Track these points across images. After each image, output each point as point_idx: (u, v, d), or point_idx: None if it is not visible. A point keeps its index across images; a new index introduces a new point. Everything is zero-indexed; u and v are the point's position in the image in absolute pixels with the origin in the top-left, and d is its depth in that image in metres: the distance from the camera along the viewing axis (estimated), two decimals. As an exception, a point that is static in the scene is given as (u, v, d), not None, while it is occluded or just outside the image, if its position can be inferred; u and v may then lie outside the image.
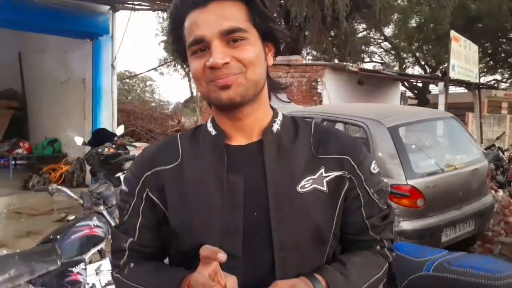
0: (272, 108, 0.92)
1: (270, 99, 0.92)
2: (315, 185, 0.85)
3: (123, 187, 0.93)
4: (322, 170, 0.86)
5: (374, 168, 0.92)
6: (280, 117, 0.91)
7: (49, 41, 7.38)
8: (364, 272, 0.86)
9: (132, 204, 0.90)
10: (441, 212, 3.50)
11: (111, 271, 0.95)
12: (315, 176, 0.86)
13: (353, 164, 0.88)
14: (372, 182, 0.90)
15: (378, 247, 0.92)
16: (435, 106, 9.99)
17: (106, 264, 2.34)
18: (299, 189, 0.84)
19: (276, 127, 0.89)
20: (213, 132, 0.89)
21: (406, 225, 3.29)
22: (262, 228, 0.82)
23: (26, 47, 8.39)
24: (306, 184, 0.85)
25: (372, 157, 0.94)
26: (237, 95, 0.81)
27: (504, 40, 17.43)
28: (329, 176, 0.86)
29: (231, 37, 0.79)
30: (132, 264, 0.90)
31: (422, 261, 1.99)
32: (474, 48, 10.30)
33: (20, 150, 7.40)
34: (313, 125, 0.93)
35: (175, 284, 0.80)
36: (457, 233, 3.66)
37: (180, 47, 0.86)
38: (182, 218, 0.85)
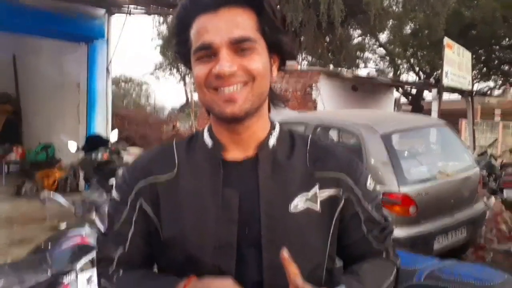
0: (270, 120, 0.91)
1: (270, 111, 0.91)
2: (308, 204, 0.84)
3: (114, 194, 0.91)
4: (317, 188, 0.85)
5: (370, 183, 0.92)
6: (277, 129, 0.90)
7: (44, 44, 7.36)
8: (377, 277, 0.87)
9: (125, 213, 0.88)
10: (433, 220, 3.51)
11: (98, 277, 0.92)
12: (309, 195, 0.85)
13: (350, 181, 0.88)
14: (370, 198, 0.90)
15: (384, 254, 0.93)
16: (429, 112, 10.05)
17: (97, 273, 2.32)
18: (291, 208, 0.83)
19: (272, 141, 0.87)
20: (210, 144, 0.87)
21: (398, 232, 3.29)
22: (253, 245, 0.81)
23: (20, 50, 8.36)
24: (299, 203, 0.84)
25: (368, 172, 0.94)
26: (242, 111, 0.79)
27: (497, 47, 17.55)
28: (323, 194, 0.86)
29: (240, 46, 0.77)
30: (121, 272, 0.88)
31: (413, 270, 2.00)
32: (467, 55, 10.38)
33: (13, 156, 7.36)
34: (309, 140, 0.92)
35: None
36: (449, 240, 3.67)
37: (183, 50, 0.84)
38: (175, 230, 0.84)
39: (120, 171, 4.12)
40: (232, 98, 0.78)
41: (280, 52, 0.85)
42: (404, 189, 3.36)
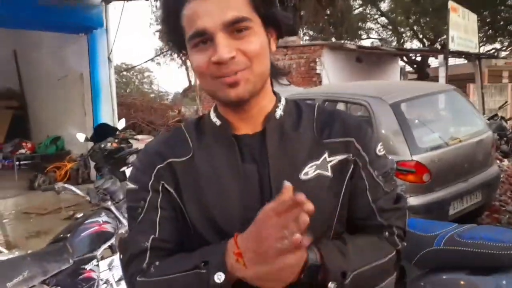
0: (274, 93, 0.90)
1: (272, 84, 0.89)
2: (318, 171, 0.83)
3: (131, 185, 0.88)
4: (326, 155, 0.84)
5: (380, 150, 0.89)
6: (283, 101, 0.89)
7: (43, 38, 7.30)
8: (364, 255, 0.82)
9: (148, 199, 0.85)
10: (447, 186, 3.50)
11: (130, 279, 0.84)
12: (318, 162, 0.84)
13: (358, 145, 0.86)
14: (377, 164, 0.88)
15: (386, 233, 0.88)
16: (435, 79, 9.90)
17: (118, 259, 2.35)
18: (302, 176, 0.82)
19: (279, 113, 0.86)
20: (218, 123, 0.87)
21: (413, 200, 3.30)
22: None
23: (21, 45, 8.32)
24: (309, 171, 0.83)
25: (378, 139, 0.92)
26: (246, 92, 0.78)
27: (503, 7, 17.13)
28: (333, 160, 0.85)
29: (235, 28, 0.75)
30: (157, 262, 0.82)
31: (432, 236, 1.99)
32: (473, 17, 10.14)
33: (23, 150, 7.40)
34: (316, 108, 0.90)
35: (222, 249, 0.74)
36: (464, 205, 3.66)
37: (176, 37, 0.81)
38: (201, 210, 0.83)
39: (130, 158, 4.14)
40: (234, 82, 0.77)
41: (276, 25, 0.83)
42: (417, 157, 3.33)
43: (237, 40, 0.75)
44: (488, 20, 17.25)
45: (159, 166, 0.85)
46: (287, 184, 0.69)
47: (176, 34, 0.81)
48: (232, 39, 0.75)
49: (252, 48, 0.76)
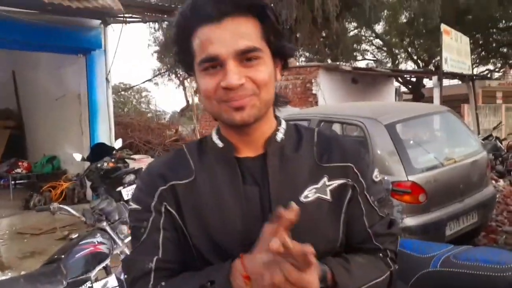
0: (276, 117, 0.92)
1: (274, 110, 0.92)
2: (318, 194, 0.85)
3: (134, 206, 0.89)
4: (325, 179, 0.86)
5: (376, 176, 0.92)
6: (283, 125, 0.91)
7: (42, 58, 7.37)
8: (366, 272, 0.85)
9: (151, 220, 0.86)
10: (443, 206, 3.50)
11: None
12: (318, 186, 0.85)
13: (356, 171, 0.88)
14: (374, 190, 0.90)
15: (380, 255, 0.91)
16: (430, 100, 10.02)
17: (112, 281, 2.33)
18: (302, 199, 0.84)
19: (280, 136, 0.89)
20: (220, 145, 0.89)
21: (410, 221, 3.29)
22: None
23: (19, 66, 8.39)
24: (309, 194, 0.84)
25: (374, 165, 0.94)
26: (251, 116, 0.80)
27: (494, 30, 17.49)
28: (332, 184, 0.86)
29: (246, 56, 0.78)
30: (163, 283, 0.83)
31: (428, 257, 1.99)
32: (465, 40, 10.35)
33: (19, 170, 7.36)
34: (316, 133, 0.93)
35: (227, 269, 0.75)
36: (461, 226, 3.66)
37: (186, 59, 0.84)
38: (203, 231, 0.84)
39: (127, 178, 4.13)
40: (241, 106, 0.79)
41: (283, 57, 0.87)
42: (413, 178, 3.35)
43: (246, 68, 0.78)
44: (480, 42, 17.58)
45: (161, 188, 0.86)
46: (293, 205, 0.69)
47: (185, 56, 0.83)
48: (242, 66, 0.78)
49: (261, 77, 0.79)
